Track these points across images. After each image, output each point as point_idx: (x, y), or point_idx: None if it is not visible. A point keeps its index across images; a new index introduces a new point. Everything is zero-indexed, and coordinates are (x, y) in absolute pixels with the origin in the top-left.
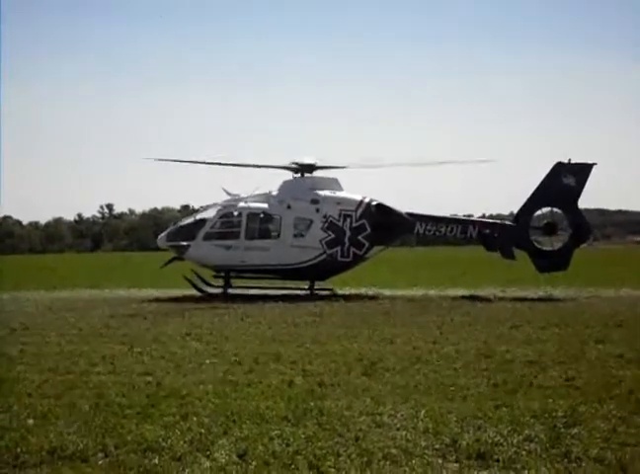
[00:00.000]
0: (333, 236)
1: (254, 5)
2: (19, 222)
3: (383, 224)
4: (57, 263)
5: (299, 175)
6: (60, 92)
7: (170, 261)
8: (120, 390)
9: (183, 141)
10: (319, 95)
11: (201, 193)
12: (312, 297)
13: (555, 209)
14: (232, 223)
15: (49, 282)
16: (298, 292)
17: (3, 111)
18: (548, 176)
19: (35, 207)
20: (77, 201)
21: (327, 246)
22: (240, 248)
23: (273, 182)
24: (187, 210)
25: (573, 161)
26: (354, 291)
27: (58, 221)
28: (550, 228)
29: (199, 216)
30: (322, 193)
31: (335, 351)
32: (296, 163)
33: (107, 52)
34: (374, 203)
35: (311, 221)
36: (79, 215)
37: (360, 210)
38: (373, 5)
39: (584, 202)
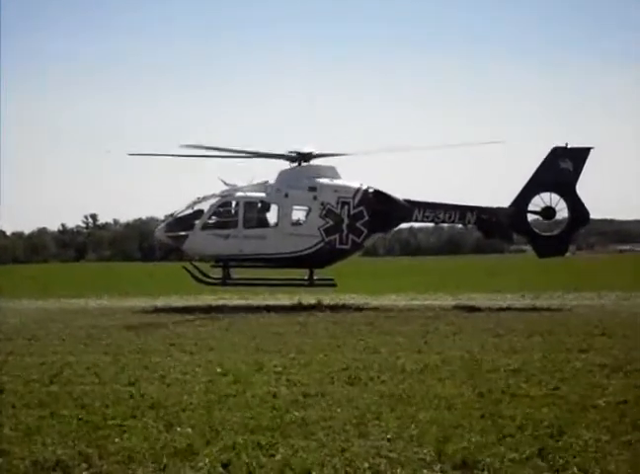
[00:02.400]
0: (331, 224)
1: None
2: (2, 232)
3: (381, 211)
4: (41, 273)
5: (297, 163)
6: (44, 102)
7: (169, 251)
8: (103, 401)
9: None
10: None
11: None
12: (297, 307)
13: (553, 194)
14: (230, 213)
15: (33, 292)
16: (298, 283)
17: None
18: (545, 161)
19: (19, 217)
20: (61, 212)
21: (325, 234)
22: (238, 237)
23: (270, 171)
24: None
25: (570, 146)
26: (339, 301)
27: (42, 231)
28: (548, 213)
29: (196, 207)
30: (319, 180)
31: (319, 360)
32: (293, 152)
33: (91, 63)
34: (372, 190)
35: (309, 209)
36: (63, 225)
37: (357, 197)
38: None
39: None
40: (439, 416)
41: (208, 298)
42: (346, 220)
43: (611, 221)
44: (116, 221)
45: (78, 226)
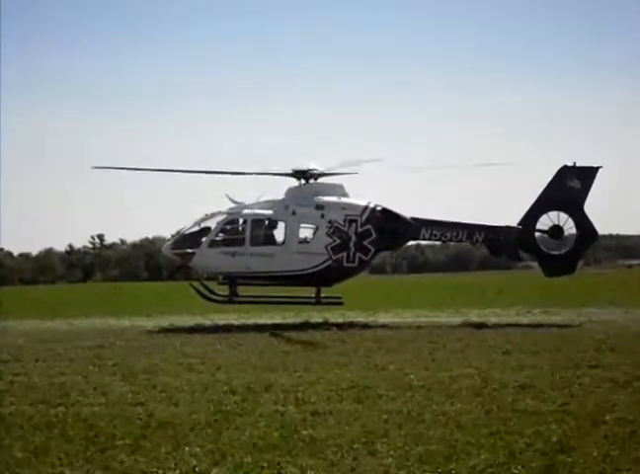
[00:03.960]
0: (338, 242)
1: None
2: (9, 254)
3: (389, 229)
4: (48, 293)
5: (304, 181)
6: (51, 120)
7: (178, 268)
8: (111, 421)
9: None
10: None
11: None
12: (304, 326)
13: (561, 213)
14: (237, 230)
15: (40, 313)
16: (305, 301)
17: None
18: (554, 179)
19: (25, 238)
20: (68, 232)
21: (332, 252)
22: (245, 254)
23: (277, 190)
24: None
25: (578, 164)
26: (346, 318)
27: (49, 252)
28: (556, 232)
29: (203, 224)
30: (327, 198)
31: (327, 378)
32: (301, 170)
33: (94, 81)
34: (379, 209)
35: (316, 227)
36: (70, 246)
37: (365, 215)
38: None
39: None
40: (447, 433)
41: (216, 317)
42: (353, 238)
43: (619, 236)
44: (122, 241)
45: (85, 246)
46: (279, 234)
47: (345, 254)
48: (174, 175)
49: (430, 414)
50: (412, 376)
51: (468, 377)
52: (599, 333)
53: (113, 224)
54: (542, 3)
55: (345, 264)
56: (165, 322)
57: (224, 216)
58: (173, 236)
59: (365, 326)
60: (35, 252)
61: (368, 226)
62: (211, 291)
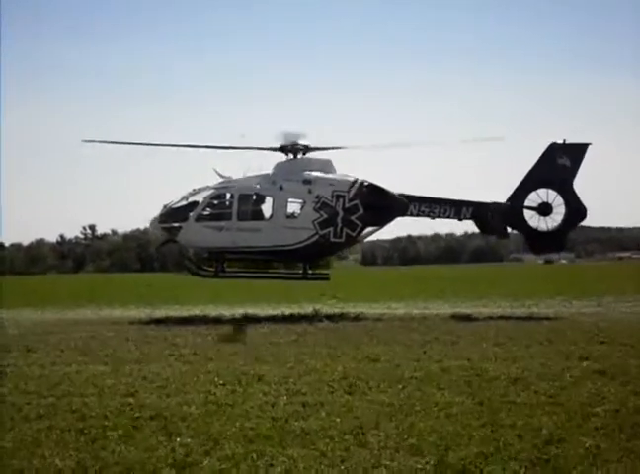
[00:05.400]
0: (325, 217)
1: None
2: (1, 244)
3: (376, 205)
4: (39, 284)
5: (292, 156)
6: (44, 113)
7: (164, 242)
8: (102, 412)
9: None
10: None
11: None
12: (295, 317)
13: (550, 190)
14: (224, 205)
15: (31, 303)
16: (293, 276)
17: None
18: (543, 156)
19: (17, 229)
20: (60, 223)
21: (319, 227)
22: (232, 229)
23: (265, 164)
24: None
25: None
26: (337, 310)
27: (41, 242)
28: (545, 209)
29: (191, 198)
30: (314, 173)
31: (318, 370)
32: (289, 145)
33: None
34: (367, 184)
35: (304, 202)
36: (61, 236)
37: (352, 191)
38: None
39: None
40: (438, 425)
41: (207, 308)
42: (340, 214)
43: (610, 229)
44: (114, 232)
45: (77, 237)
46: (266, 209)
47: (332, 229)
48: (167, 166)
49: (421, 405)
50: (403, 368)
51: (459, 369)
52: (589, 325)
53: (104, 215)
54: None
55: (332, 239)
56: (156, 313)
57: (212, 191)
58: (160, 210)
59: (357, 317)
60: (26, 242)
61: (356, 202)
62: (199, 266)
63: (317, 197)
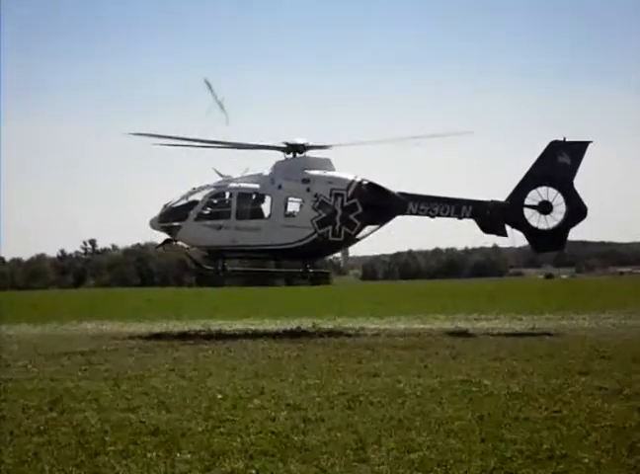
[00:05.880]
0: (324, 215)
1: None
2: (1, 259)
3: (375, 203)
4: (40, 299)
5: (291, 155)
6: (43, 126)
7: (163, 242)
8: (102, 427)
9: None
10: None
11: None
12: (296, 332)
13: (550, 188)
14: (223, 203)
15: (32, 318)
16: (293, 271)
17: None
18: (543, 154)
19: (17, 244)
20: (60, 237)
21: (318, 225)
22: (231, 228)
23: (265, 163)
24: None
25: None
26: (338, 325)
27: (41, 257)
28: (545, 207)
29: (190, 198)
30: (313, 172)
31: (319, 385)
32: (288, 143)
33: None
34: (366, 182)
35: (302, 201)
36: (62, 251)
37: (351, 190)
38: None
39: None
40: (439, 440)
41: (207, 323)
42: (339, 212)
43: (610, 244)
44: (114, 247)
45: (77, 252)
46: (265, 208)
47: (330, 228)
48: (167, 179)
49: (421, 420)
50: (403, 383)
51: (460, 384)
52: (589, 340)
53: (105, 230)
54: None
55: (330, 238)
56: (156, 328)
57: (211, 190)
58: (160, 210)
59: (357, 332)
60: (26, 257)
61: (354, 200)
62: (199, 265)
63: (316, 195)
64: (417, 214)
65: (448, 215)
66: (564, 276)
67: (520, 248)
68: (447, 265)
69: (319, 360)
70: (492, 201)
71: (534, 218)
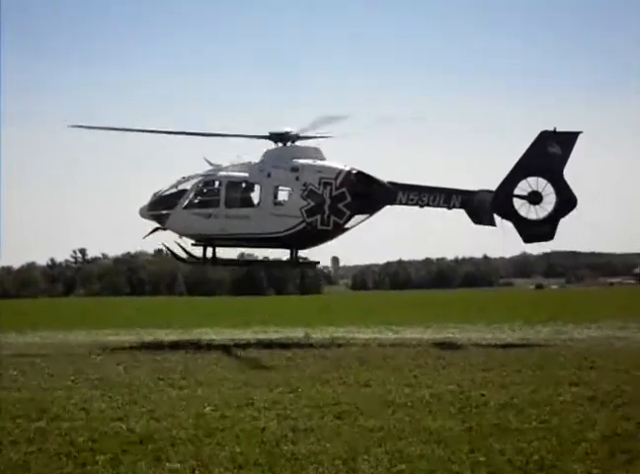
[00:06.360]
0: (313, 204)
1: None
2: None
3: (364, 193)
4: (30, 307)
5: (281, 144)
6: (36, 135)
7: (152, 231)
8: (91, 436)
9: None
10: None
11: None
12: (285, 341)
13: (540, 179)
14: (212, 192)
15: (21, 327)
16: (281, 263)
17: None
18: (533, 145)
19: (7, 252)
20: (50, 246)
21: (307, 214)
22: (220, 216)
23: (255, 152)
24: (160, 255)
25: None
26: (328, 334)
27: (31, 266)
28: (535, 197)
29: (180, 186)
30: (302, 161)
31: (308, 395)
32: (277, 132)
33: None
34: (355, 172)
35: (291, 189)
36: (52, 260)
37: (340, 179)
38: None
39: (556, 245)
40: (428, 450)
41: (197, 332)
42: (328, 201)
43: (601, 254)
44: (104, 255)
45: (67, 261)
46: (254, 196)
47: (319, 217)
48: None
49: (411, 431)
50: (393, 393)
51: (450, 394)
52: (580, 350)
53: (95, 238)
54: None
55: (319, 227)
56: (146, 337)
57: (200, 178)
58: (150, 198)
59: (347, 342)
60: (16, 266)
61: (343, 189)
62: (187, 253)
63: (304, 184)
64: (406, 204)
65: (438, 205)
66: (554, 287)
67: (510, 258)
68: (438, 275)
69: (309, 370)
70: (481, 191)
71: (524, 209)
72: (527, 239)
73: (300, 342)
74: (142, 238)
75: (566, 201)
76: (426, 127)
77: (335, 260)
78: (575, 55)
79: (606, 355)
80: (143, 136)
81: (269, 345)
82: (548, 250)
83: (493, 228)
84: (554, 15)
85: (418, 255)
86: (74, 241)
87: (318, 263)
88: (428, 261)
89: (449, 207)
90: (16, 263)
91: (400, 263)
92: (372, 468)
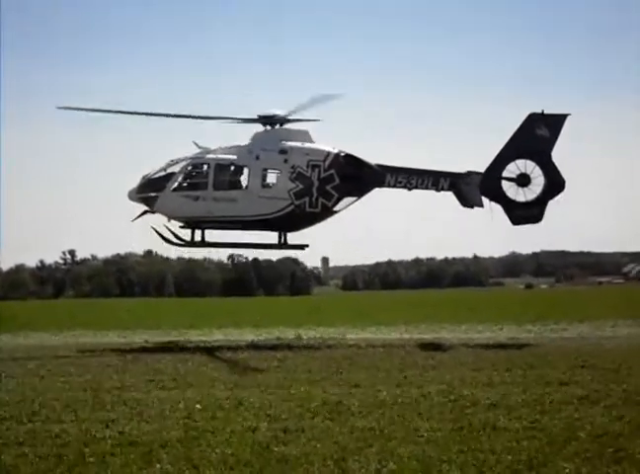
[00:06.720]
0: (301, 187)
1: None
2: None
3: (353, 175)
4: (19, 309)
5: (270, 127)
6: (28, 137)
7: (141, 214)
8: (81, 438)
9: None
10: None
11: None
12: (276, 342)
13: (528, 161)
14: (200, 174)
15: (11, 329)
16: (269, 246)
17: None
18: (521, 127)
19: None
20: (39, 248)
21: (295, 197)
22: (208, 199)
23: (244, 135)
24: (150, 256)
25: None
26: (318, 335)
27: (20, 268)
28: (523, 179)
29: (168, 169)
30: (290, 143)
31: (299, 396)
32: (267, 115)
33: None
34: (343, 154)
35: (279, 172)
36: (41, 262)
37: (328, 161)
38: None
39: (545, 244)
40: (419, 450)
41: (187, 333)
42: (316, 184)
43: (590, 253)
44: (94, 257)
45: (56, 262)
46: (242, 179)
47: (307, 199)
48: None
49: (401, 431)
50: (384, 393)
51: (440, 394)
52: (569, 350)
53: (84, 240)
54: None
55: (307, 209)
56: (136, 338)
57: (188, 161)
58: (139, 181)
59: (337, 342)
60: (5, 267)
61: (332, 171)
62: (175, 235)
63: (293, 167)
64: (395, 187)
65: (426, 187)
66: (544, 286)
67: (499, 258)
68: (428, 275)
69: (299, 371)
70: (469, 172)
71: (512, 191)
72: (516, 221)
73: (291, 343)
74: (131, 221)
75: (554, 184)
76: (426, 127)
77: (325, 260)
78: (575, 55)
79: (596, 355)
80: (143, 137)
81: (259, 346)
82: (538, 249)
83: (483, 228)
84: (554, 15)
85: (407, 255)
86: (65, 242)
87: (307, 245)
88: (417, 261)
89: (438, 190)
90: (4, 265)
91: (390, 263)
92: (363, 468)
